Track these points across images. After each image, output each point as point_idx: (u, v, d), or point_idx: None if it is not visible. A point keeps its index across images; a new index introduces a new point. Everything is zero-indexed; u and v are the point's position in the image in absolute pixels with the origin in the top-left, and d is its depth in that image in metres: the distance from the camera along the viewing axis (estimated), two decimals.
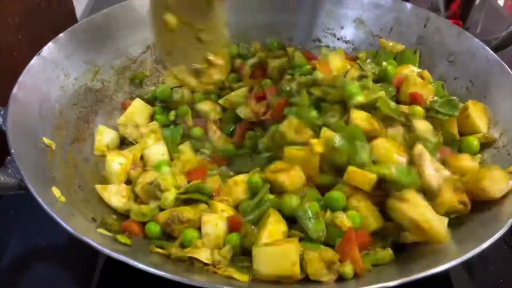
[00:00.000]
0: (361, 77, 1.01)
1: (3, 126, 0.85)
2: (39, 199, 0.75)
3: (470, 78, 1.09)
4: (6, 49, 1.08)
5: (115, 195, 0.92)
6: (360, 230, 0.81)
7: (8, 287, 0.88)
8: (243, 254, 0.81)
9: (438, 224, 0.78)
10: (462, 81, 1.10)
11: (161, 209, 0.88)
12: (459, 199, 0.84)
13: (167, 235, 0.87)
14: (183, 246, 0.82)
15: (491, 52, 1.06)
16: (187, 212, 0.85)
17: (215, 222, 0.83)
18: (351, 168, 0.84)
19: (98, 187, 0.93)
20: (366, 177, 0.83)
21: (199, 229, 0.84)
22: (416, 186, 0.83)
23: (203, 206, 0.88)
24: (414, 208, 0.79)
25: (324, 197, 0.86)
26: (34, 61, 0.98)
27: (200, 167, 0.96)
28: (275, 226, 0.80)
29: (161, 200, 0.88)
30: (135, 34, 1.21)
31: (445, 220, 0.83)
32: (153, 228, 0.85)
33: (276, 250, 0.74)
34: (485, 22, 1.58)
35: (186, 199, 0.89)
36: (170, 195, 0.88)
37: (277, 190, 0.88)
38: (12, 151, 0.81)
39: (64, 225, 0.72)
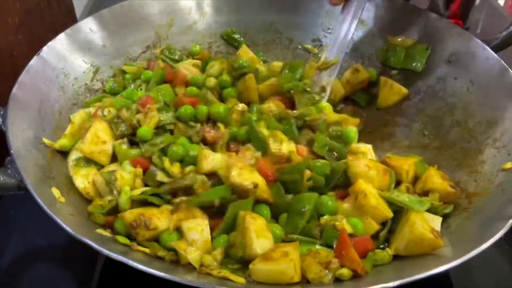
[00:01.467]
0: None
1: (3, 126, 0.85)
2: (39, 199, 0.75)
3: (470, 78, 1.09)
4: (6, 49, 1.08)
5: (82, 177, 0.90)
6: (363, 236, 0.81)
7: (8, 287, 0.88)
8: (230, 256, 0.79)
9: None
10: (462, 81, 1.10)
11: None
12: (448, 184, 0.89)
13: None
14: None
15: (491, 52, 1.06)
16: (156, 218, 0.80)
17: (200, 228, 0.80)
18: (371, 202, 0.82)
19: (71, 165, 0.92)
20: (382, 213, 0.83)
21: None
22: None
23: (168, 206, 0.85)
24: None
25: (314, 202, 0.85)
26: (34, 61, 0.98)
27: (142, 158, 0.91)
28: (256, 226, 0.78)
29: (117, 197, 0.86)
30: (135, 34, 1.21)
31: (439, 220, 0.84)
32: (119, 226, 0.82)
33: (273, 269, 0.72)
34: (485, 22, 1.58)
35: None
36: (124, 196, 0.85)
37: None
38: (12, 151, 0.81)
39: (64, 225, 0.72)
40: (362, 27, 1.26)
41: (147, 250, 0.78)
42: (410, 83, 1.18)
